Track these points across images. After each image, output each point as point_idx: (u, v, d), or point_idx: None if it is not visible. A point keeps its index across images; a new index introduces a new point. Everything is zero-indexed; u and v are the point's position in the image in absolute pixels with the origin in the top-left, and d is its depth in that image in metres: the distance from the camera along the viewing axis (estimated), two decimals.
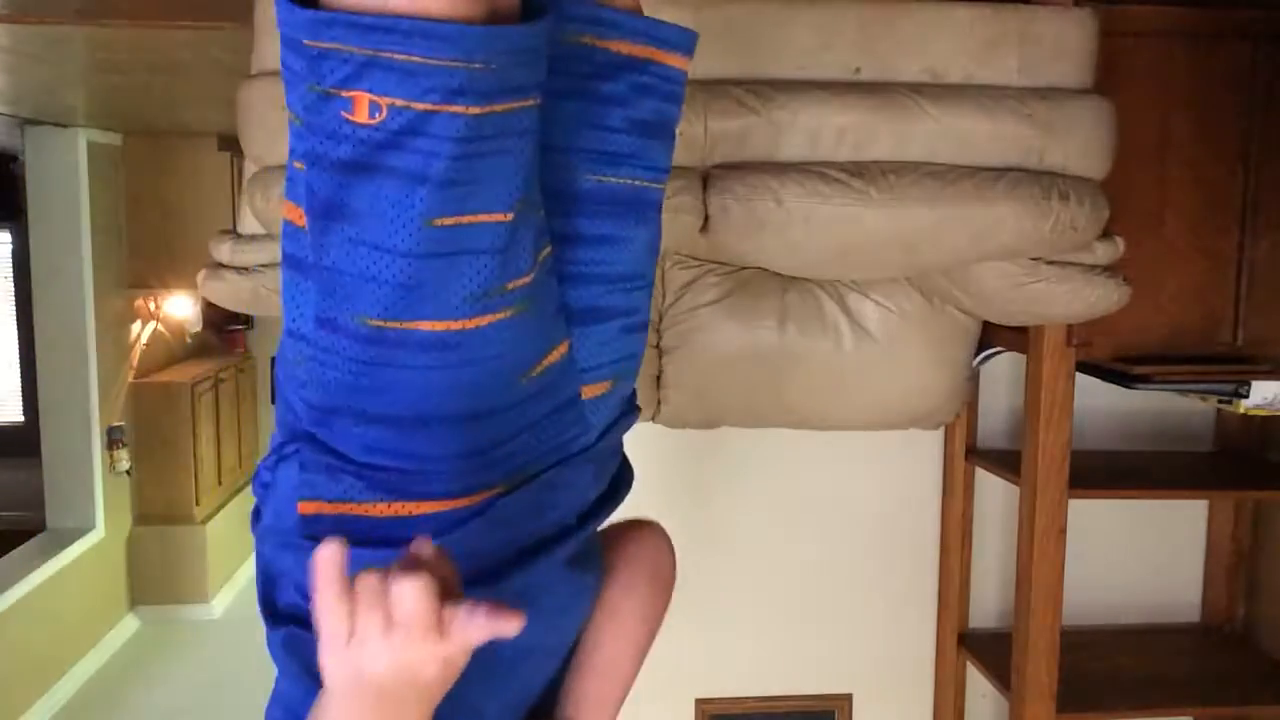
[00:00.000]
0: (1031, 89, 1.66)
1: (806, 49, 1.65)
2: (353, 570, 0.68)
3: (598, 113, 0.80)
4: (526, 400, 0.76)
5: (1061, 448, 1.92)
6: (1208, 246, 1.96)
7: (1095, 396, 2.23)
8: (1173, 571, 2.47)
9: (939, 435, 2.32)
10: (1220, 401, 1.96)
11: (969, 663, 2.33)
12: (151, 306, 4.94)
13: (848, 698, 2.37)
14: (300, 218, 0.68)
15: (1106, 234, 1.73)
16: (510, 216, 0.67)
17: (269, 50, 1.53)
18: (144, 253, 4.74)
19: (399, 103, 0.61)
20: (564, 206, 0.79)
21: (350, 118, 0.62)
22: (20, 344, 5.58)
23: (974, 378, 2.18)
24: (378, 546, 0.71)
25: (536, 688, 0.89)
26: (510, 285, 0.70)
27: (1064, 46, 1.67)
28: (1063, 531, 1.95)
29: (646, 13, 0.86)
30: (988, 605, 2.41)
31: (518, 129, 0.66)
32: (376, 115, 0.61)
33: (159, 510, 4.91)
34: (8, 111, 3.93)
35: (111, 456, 4.59)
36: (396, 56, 0.60)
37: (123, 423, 4.67)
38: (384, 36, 0.60)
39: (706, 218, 1.61)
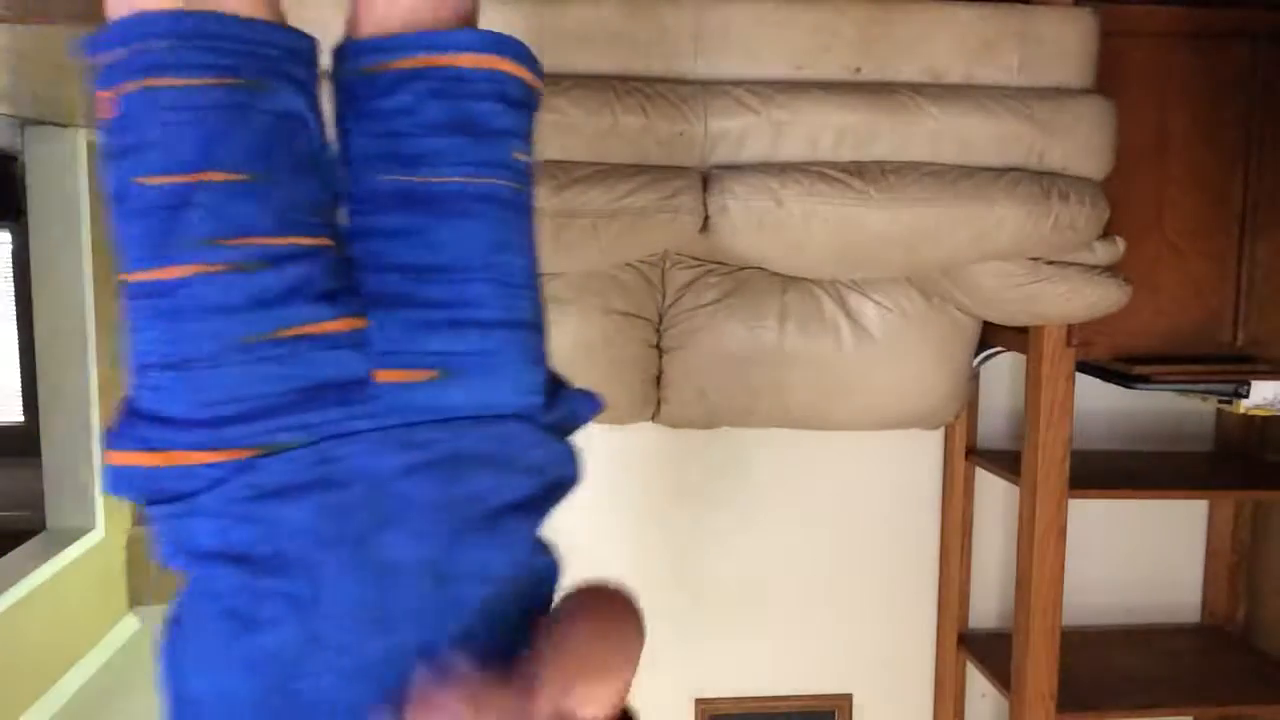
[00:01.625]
0: (1032, 89, 1.66)
1: (806, 49, 1.65)
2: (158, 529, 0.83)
3: (387, 125, 0.89)
4: (262, 361, 0.80)
5: (1061, 448, 1.92)
6: (1208, 246, 1.96)
7: (1095, 396, 2.23)
8: (1173, 571, 2.47)
9: (939, 435, 2.32)
10: (1220, 401, 1.96)
11: (969, 663, 2.33)
12: None
13: (848, 698, 2.37)
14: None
15: (1106, 234, 1.73)
16: (192, 178, 0.78)
17: None
18: None
19: (111, 93, 0.77)
20: (363, 206, 0.88)
21: (102, 115, 0.78)
22: (20, 344, 5.58)
23: (974, 378, 2.19)
24: (163, 503, 0.81)
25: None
26: (222, 241, 0.78)
27: (1064, 46, 1.68)
28: (1063, 531, 1.95)
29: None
30: (988, 605, 2.41)
31: (192, 103, 0.78)
32: (112, 109, 0.78)
33: None
34: (8, 111, 3.93)
35: None
36: (103, 58, 0.77)
37: None
38: (99, 43, 0.77)
39: (706, 218, 1.61)
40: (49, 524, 4.46)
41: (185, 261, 0.78)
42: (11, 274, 5.70)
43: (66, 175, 4.28)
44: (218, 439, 0.80)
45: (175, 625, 0.86)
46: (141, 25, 0.77)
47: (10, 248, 5.69)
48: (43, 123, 4.19)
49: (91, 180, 4.36)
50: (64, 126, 4.24)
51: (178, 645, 0.85)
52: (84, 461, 4.45)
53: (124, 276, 0.80)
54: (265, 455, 0.80)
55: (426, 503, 0.83)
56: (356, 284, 0.87)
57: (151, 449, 0.80)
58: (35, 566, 4.06)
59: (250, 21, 0.81)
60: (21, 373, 5.63)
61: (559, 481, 0.93)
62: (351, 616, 0.80)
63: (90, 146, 4.35)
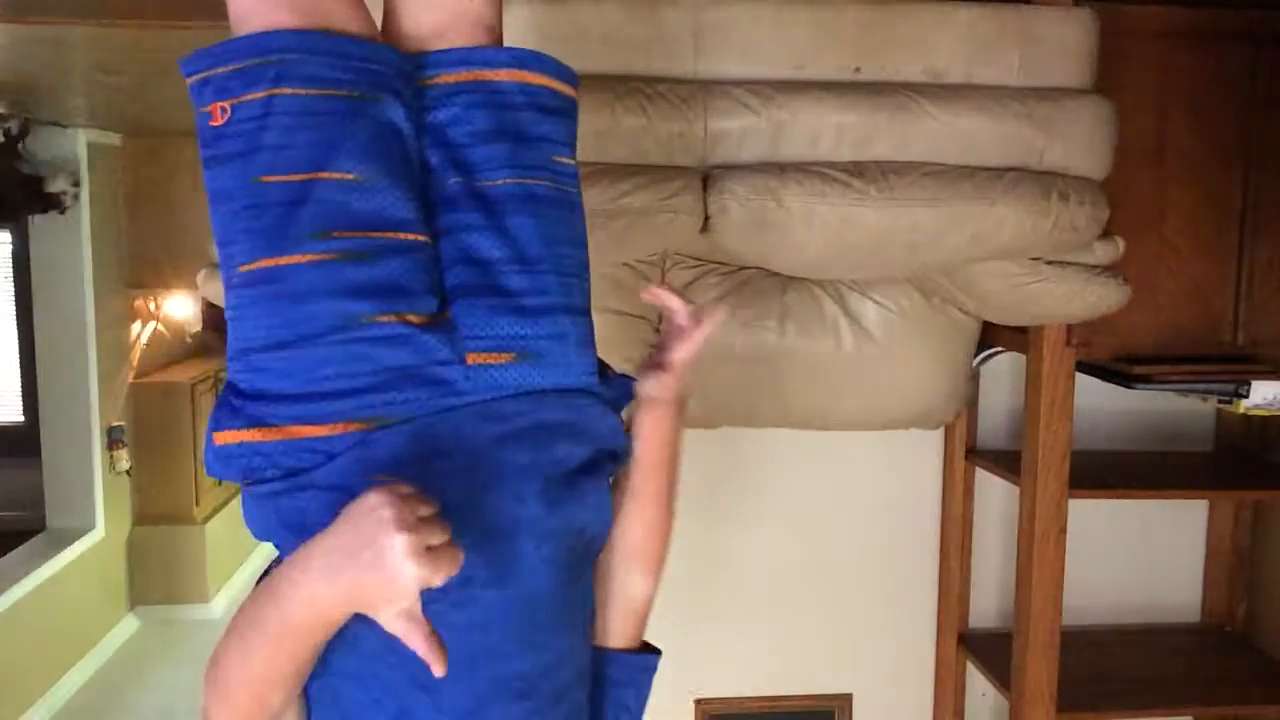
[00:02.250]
0: (1032, 89, 1.66)
1: (806, 49, 1.65)
2: (256, 504, 0.90)
3: (443, 135, 0.98)
4: (362, 342, 0.88)
5: (1061, 448, 1.92)
6: (1208, 246, 1.96)
7: (1095, 396, 2.23)
8: (1173, 571, 2.47)
9: (939, 435, 2.32)
10: (1220, 401, 1.96)
11: (969, 663, 2.33)
12: (151, 306, 4.94)
13: (848, 698, 2.37)
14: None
15: (1106, 234, 1.73)
16: (308, 177, 0.86)
17: None
18: (144, 253, 4.73)
19: (228, 102, 0.85)
20: (438, 209, 0.97)
21: (211, 124, 0.87)
22: (20, 344, 5.58)
23: (974, 378, 2.19)
24: (272, 481, 0.87)
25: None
26: (333, 233, 0.86)
27: (1064, 46, 1.67)
28: (1063, 531, 1.95)
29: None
30: (988, 605, 2.41)
31: (311, 110, 0.86)
32: (224, 116, 0.86)
33: (159, 510, 4.90)
34: (8, 112, 3.93)
35: (111, 456, 4.58)
36: (221, 70, 0.86)
37: (123, 423, 4.67)
38: (212, 58, 0.85)
39: (706, 218, 1.61)
40: (49, 524, 4.46)
41: (298, 251, 0.86)
42: (11, 274, 5.69)
43: (67, 175, 4.27)
44: (323, 412, 0.87)
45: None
46: (268, 40, 0.84)
47: (10, 248, 5.69)
48: (43, 123, 4.19)
49: (91, 180, 4.36)
50: (64, 126, 4.24)
51: None
52: (84, 461, 4.45)
53: (237, 267, 0.88)
54: (375, 429, 0.88)
55: (520, 467, 0.92)
56: (443, 277, 0.96)
57: (261, 425, 0.88)
58: (35, 566, 4.06)
59: (362, 40, 0.89)
60: (21, 373, 5.63)
61: (614, 452, 1.06)
62: (463, 577, 0.85)
63: (90, 146, 4.35)
